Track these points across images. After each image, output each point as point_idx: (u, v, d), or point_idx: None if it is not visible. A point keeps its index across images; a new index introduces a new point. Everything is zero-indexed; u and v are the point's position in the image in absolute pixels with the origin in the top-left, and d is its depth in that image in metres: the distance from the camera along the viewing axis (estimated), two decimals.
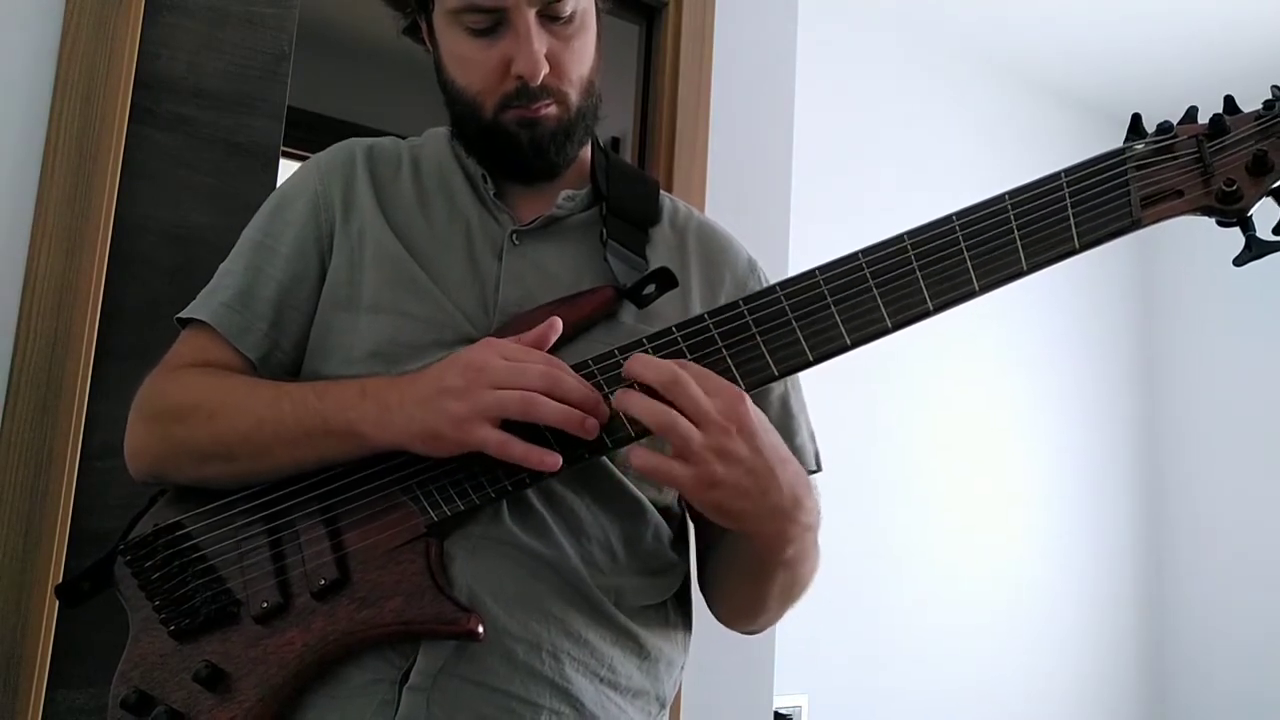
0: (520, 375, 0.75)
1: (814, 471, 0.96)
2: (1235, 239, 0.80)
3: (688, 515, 0.98)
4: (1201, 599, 3.32)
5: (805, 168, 2.17)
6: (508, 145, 0.90)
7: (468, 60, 0.88)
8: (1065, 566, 3.18)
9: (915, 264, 0.78)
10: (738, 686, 1.72)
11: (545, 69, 0.86)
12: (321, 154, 0.98)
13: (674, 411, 0.73)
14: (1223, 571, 3.27)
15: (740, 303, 0.80)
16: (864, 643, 2.68)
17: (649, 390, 0.74)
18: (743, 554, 0.86)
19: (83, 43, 1.27)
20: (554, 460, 0.76)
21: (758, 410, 0.76)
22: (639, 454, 0.75)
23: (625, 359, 0.79)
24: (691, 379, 0.73)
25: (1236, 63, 3.02)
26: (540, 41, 0.85)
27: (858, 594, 2.63)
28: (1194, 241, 3.29)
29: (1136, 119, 0.82)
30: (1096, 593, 3.26)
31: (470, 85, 0.89)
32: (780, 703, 2.31)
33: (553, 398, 0.75)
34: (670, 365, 0.74)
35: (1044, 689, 3.07)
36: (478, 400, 0.75)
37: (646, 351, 0.79)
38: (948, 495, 2.91)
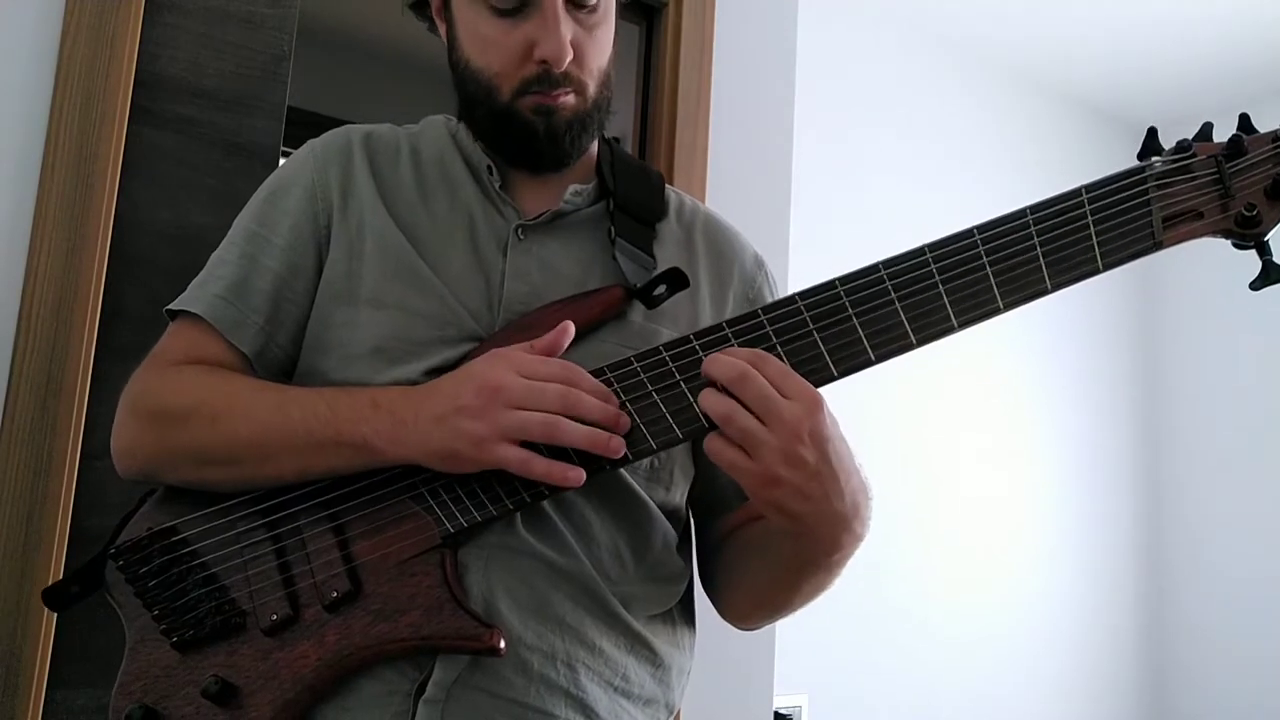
0: (540, 397, 0.74)
1: None
2: (1240, 258, 0.80)
3: (691, 515, 0.97)
4: (1201, 603, 3.32)
5: (805, 168, 2.17)
6: (522, 132, 0.88)
7: (489, 40, 0.86)
8: (1065, 570, 3.18)
9: (938, 278, 0.77)
10: (738, 686, 1.72)
11: (570, 55, 0.85)
12: (316, 140, 0.95)
13: (739, 407, 0.72)
14: (1222, 577, 3.27)
15: (760, 312, 0.78)
16: (864, 643, 2.68)
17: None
18: (784, 552, 0.84)
19: (83, 43, 1.27)
20: (578, 476, 0.75)
21: (833, 417, 0.74)
22: (712, 436, 0.74)
23: (642, 366, 0.78)
24: (765, 377, 0.72)
25: (1246, 62, 3.01)
26: (567, 27, 0.84)
27: (858, 595, 2.63)
28: (1196, 248, 3.28)
29: (1152, 133, 0.81)
30: (1097, 596, 3.26)
31: (489, 66, 0.87)
32: (780, 703, 2.31)
33: (572, 417, 0.74)
34: (740, 362, 0.73)
35: (1043, 691, 3.07)
36: (497, 421, 0.73)
37: (663, 359, 0.78)
38: (947, 498, 2.91)
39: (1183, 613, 3.36)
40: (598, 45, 0.88)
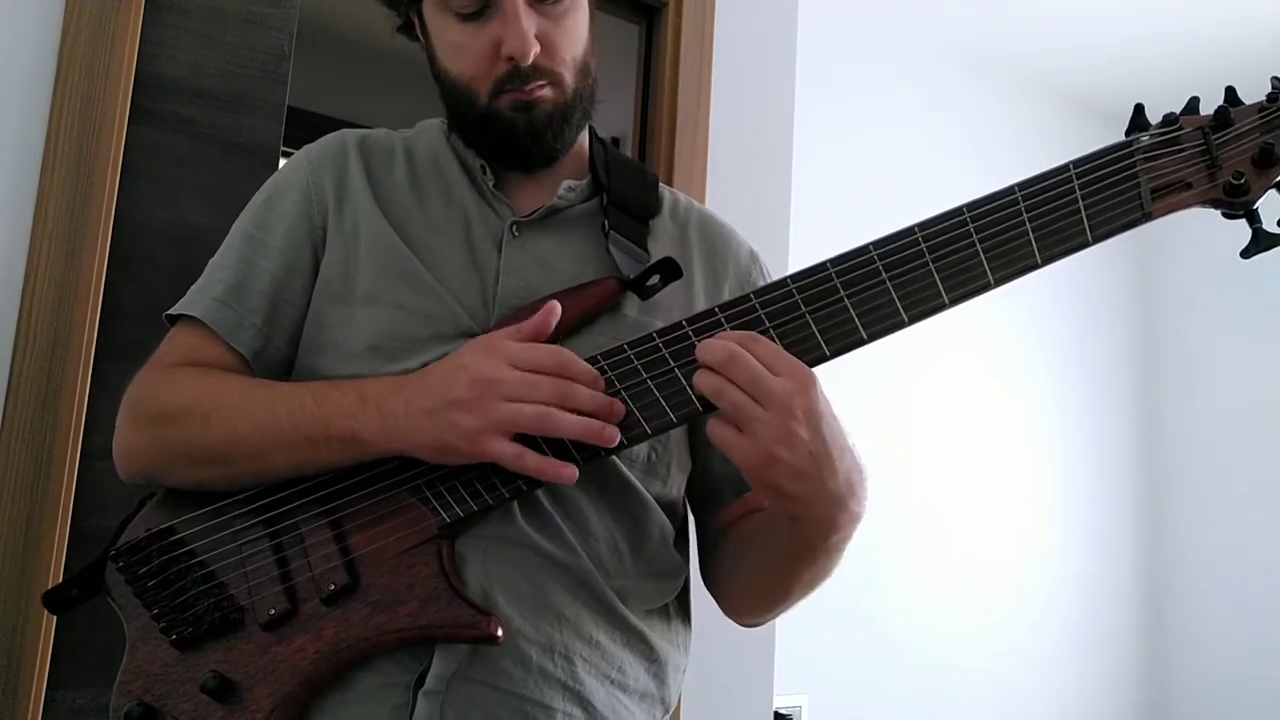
0: (533, 389, 0.74)
1: None
2: (1235, 237, 0.79)
3: (689, 509, 0.97)
4: (1200, 603, 3.32)
5: (806, 167, 2.17)
6: (505, 132, 0.88)
7: (458, 46, 0.87)
8: (1065, 566, 3.18)
9: (928, 256, 0.77)
10: (738, 686, 1.72)
11: (536, 48, 0.85)
12: (311, 145, 0.96)
13: (733, 387, 0.72)
14: (1222, 577, 3.27)
15: (751, 296, 0.79)
16: (864, 643, 2.68)
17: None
18: (783, 537, 0.83)
19: (83, 43, 1.27)
20: (570, 473, 0.76)
21: (824, 395, 0.75)
22: (713, 421, 0.74)
23: (635, 352, 0.78)
24: (755, 358, 0.72)
25: (1232, 60, 3.02)
26: (529, 21, 0.84)
27: (858, 594, 2.63)
28: (1194, 239, 3.29)
29: (1140, 110, 0.81)
30: (1100, 595, 3.26)
31: (463, 72, 0.88)
32: (780, 703, 2.31)
33: (566, 408, 0.75)
34: (728, 344, 0.73)
35: (1044, 688, 3.07)
36: (489, 414, 0.74)
37: (656, 345, 0.78)
38: (948, 496, 2.91)
39: (1182, 603, 3.36)
40: (567, 35, 0.88)
